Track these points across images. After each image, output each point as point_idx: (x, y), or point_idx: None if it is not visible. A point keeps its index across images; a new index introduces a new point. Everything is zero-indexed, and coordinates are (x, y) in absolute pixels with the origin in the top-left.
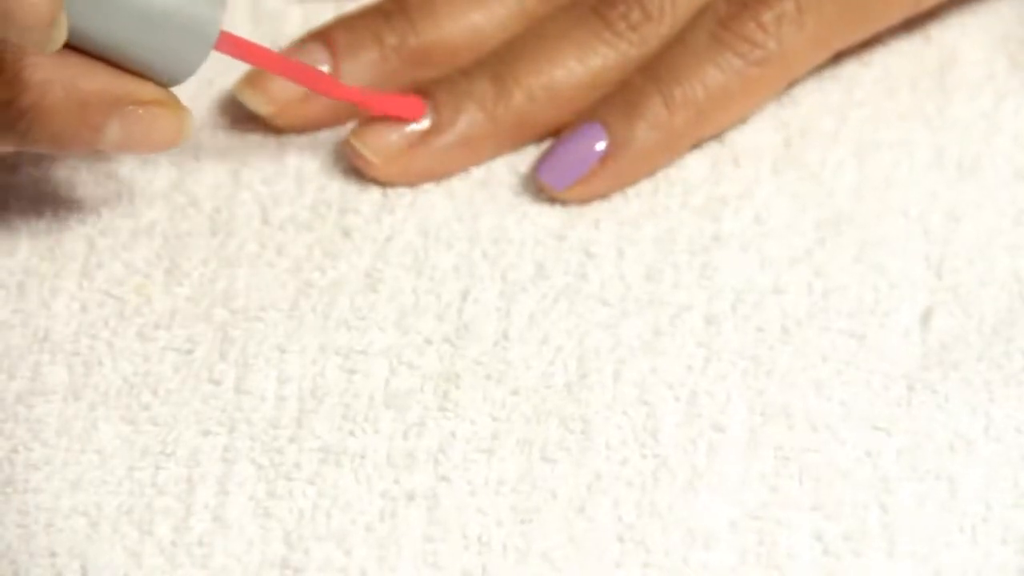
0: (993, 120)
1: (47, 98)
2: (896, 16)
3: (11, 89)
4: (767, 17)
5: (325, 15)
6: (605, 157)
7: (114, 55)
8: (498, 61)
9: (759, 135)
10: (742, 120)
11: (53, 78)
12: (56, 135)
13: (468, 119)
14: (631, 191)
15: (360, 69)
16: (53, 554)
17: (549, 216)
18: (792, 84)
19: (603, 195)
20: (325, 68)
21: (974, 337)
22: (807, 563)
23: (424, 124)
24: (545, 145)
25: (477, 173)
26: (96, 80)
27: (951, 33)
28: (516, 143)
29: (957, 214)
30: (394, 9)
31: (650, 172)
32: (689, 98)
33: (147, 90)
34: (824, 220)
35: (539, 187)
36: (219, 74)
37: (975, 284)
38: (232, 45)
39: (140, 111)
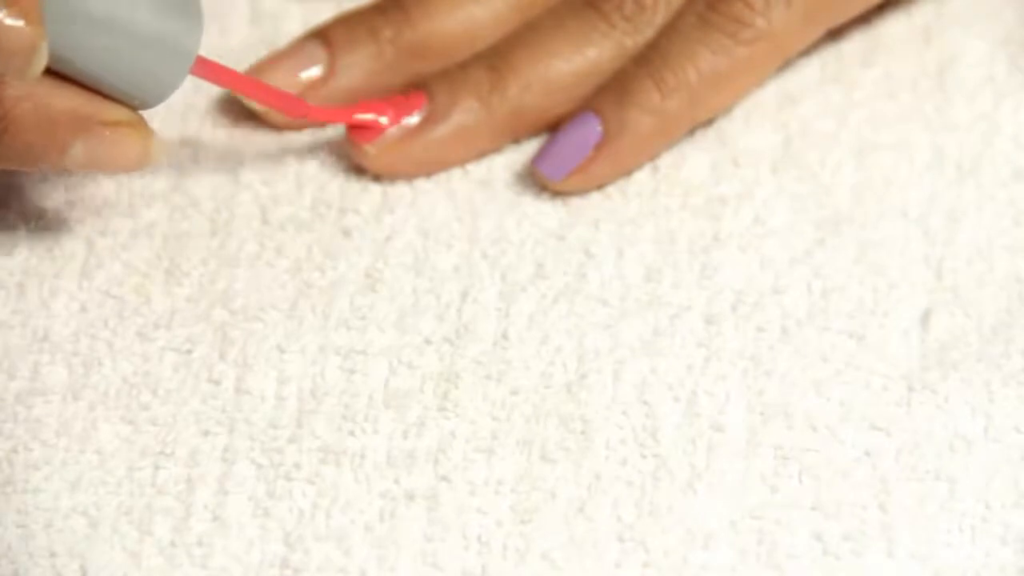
0: (993, 120)
1: (17, 115)
2: None
3: None
4: None
5: (324, 14)
6: (600, 145)
7: (90, 78)
8: (494, 53)
9: (759, 135)
10: (737, 100)
11: (24, 95)
12: (23, 152)
13: (464, 109)
14: (631, 191)
15: (356, 63)
16: (53, 554)
17: (549, 216)
18: (785, 64)
19: (601, 184)
20: (322, 64)
21: (974, 337)
22: (807, 563)
23: (420, 115)
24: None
25: (477, 173)
26: (67, 100)
27: (951, 34)
28: (512, 135)
29: (957, 214)
30: (390, 5)
31: (647, 159)
32: (681, 81)
33: (115, 112)
34: (824, 220)
35: (537, 180)
36: None
37: (975, 284)
38: (207, 69)
39: (107, 132)
